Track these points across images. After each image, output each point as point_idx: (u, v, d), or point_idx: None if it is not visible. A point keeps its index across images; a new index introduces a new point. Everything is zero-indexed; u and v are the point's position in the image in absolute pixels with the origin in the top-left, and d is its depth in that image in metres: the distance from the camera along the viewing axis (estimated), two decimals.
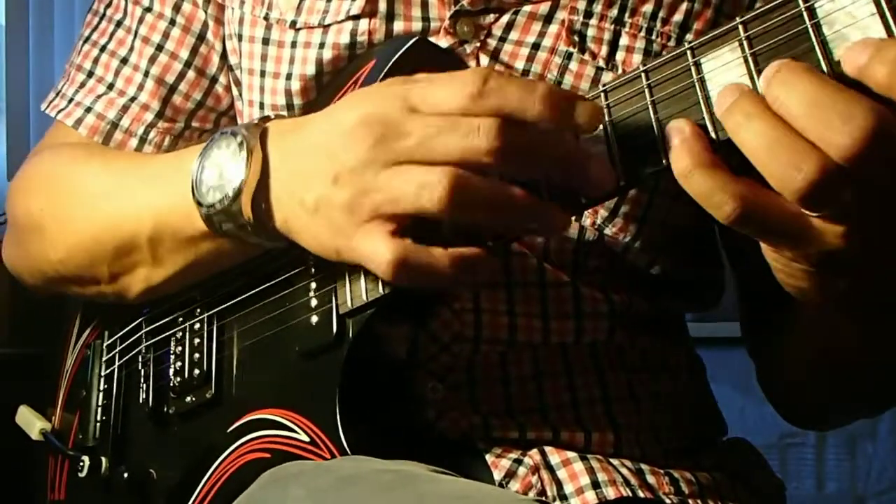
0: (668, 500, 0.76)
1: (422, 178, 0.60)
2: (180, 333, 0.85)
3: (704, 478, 0.80)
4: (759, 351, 0.92)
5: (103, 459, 0.90)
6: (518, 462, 0.76)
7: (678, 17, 0.78)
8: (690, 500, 0.78)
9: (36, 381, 1.02)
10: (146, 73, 0.91)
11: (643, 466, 0.78)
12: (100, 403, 0.93)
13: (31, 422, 0.99)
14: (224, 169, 0.70)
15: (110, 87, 0.93)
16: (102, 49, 0.94)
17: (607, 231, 0.79)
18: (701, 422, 0.89)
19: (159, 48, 0.91)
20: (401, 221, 0.62)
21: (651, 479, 0.77)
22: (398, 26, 0.79)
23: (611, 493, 0.75)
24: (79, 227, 0.85)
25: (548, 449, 0.77)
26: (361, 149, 0.62)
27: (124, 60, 0.93)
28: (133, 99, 0.91)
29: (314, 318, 0.74)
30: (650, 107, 0.59)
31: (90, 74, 0.94)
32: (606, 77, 0.77)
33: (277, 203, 0.69)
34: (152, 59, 0.91)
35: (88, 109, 0.93)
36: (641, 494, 0.76)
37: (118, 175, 0.85)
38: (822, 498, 2.19)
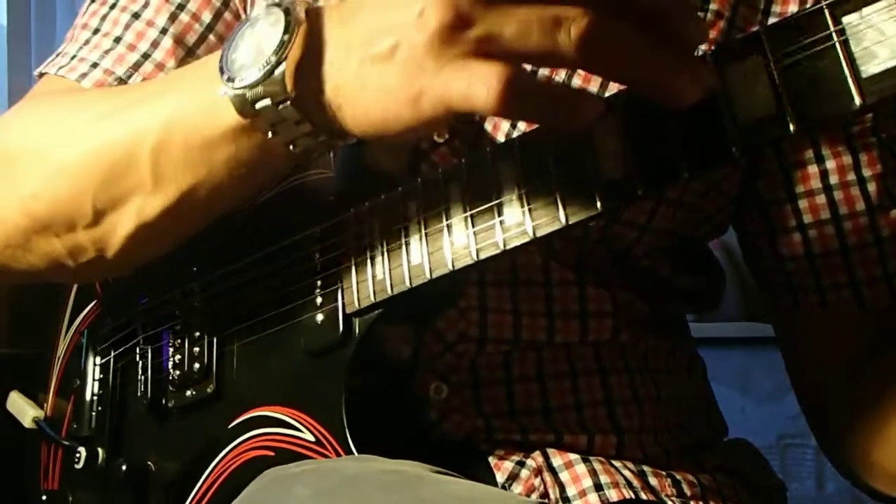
0: (670, 502, 0.77)
1: (552, 13, 0.52)
2: (179, 326, 0.84)
3: (706, 479, 0.80)
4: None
5: (100, 451, 0.89)
6: (521, 464, 0.76)
7: None
8: (692, 502, 0.78)
9: (36, 380, 1.00)
10: (163, 31, 0.84)
11: (645, 468, 0.78)
12: (95, 393, 0.92)
13: (23, 409, 0.98)
14: (263, 41, 0.61)
15: (118, 40, 0.85)
16: (113, 6, 0.87)
17: (609, 234, 0.79)
18: (702, 423, 0.89)
19: (181, 7, 0.85)
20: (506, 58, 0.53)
21: (653, 480, 0.78)
22: None
23: (613, 495, 0.75)
24: (63, 152, 0.72)
25: (550, 451, 0.77)
26: None
27: (136, 15, 0.85)
28: (147, 56, 0.84)
29: (319, 317, 0.73)
30: (669, 117, 0.58)
31: (96, 31, 0.86)
32: (613, 85, 0.76)
33: (331, 69, 0.59)
34: (172, 18, 0.85)
35: (95, 65, 0.84)
36: (644, 496, 0.76)
37: (120, 95, 0.74)
38: (822, 498, 2.20)
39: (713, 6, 0.78)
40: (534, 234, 0.63)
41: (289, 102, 0.60)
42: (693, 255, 0.89)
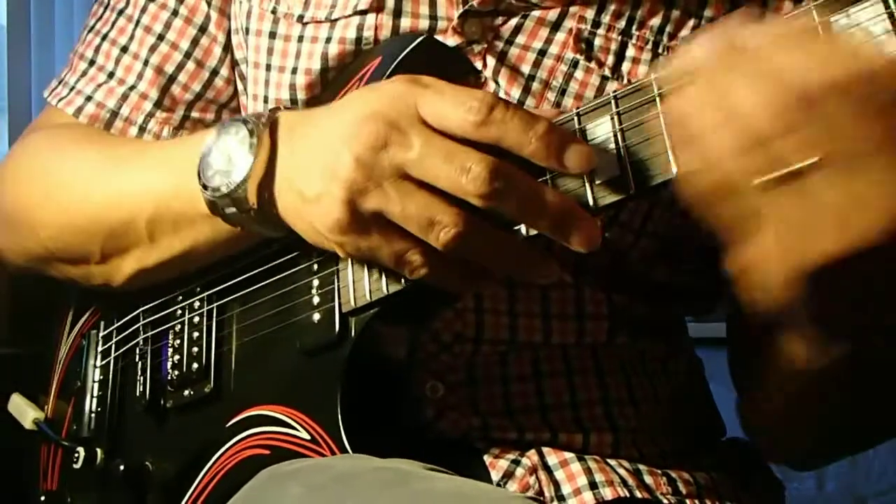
0: (665, 501, 0.77)
1: (428, 213, 0.63)
2: (179, 327, 0.85)
3: (703, 478, 0.81)
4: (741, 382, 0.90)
5: (98, 451, 0.90)
6: (516, 463, 0.77)
7: (685, 32, 0.78)
8: (688, 500, 0.78)
9: (35, 378, 1.01)
10: (146, 62, 0.91)
11: (641, 467, 0.79)
12: (95, 394, 0.92)
13: (23, 410, 0.99)
14: (232, 155, 0.72)
15: (110, 75, 0.92)
16: (104, 38, 0.94)
17: (606, 236, 0.79)
18: (699, 423, 0.89)
19: (160, 38, 0.91)
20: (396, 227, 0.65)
21: (649, 479, 0.78)
22: (405, 23, 0.79)
23: (608, 493, 0.75)
24: (74, 207, 0.85)
25: (545, 450, 0.78)
26: (360, 145, 0.64)
27: (124, 49, 0.92)
28: (132, 88, 0.91)
29: (316, 316, 0.74)
30: (661, 117, 0.59)
31: (91, 63, 0.94)
32: (612, 87, 0.77)
33: (279, 192, 0.70)
34: (153, 49, 0.91)
35: (89, 98, 0.92)
36: (639, 495, 0.76)
37: (119, 159, 0.86)
38: (823, 498, 2.19)
39: (708, 12, 0.79)
40: (526, 233, 0.64)
41: (251, 211, 0.72)
42: (692, 258, 0.89)
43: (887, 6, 0.51)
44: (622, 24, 0.78)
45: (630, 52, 0.78)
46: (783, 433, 0.82)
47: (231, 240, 0.78)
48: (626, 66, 0.78)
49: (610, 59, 0.78)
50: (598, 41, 0.78)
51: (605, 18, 0.78)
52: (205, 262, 0.82)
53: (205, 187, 0.73)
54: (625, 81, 0.77)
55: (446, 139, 0.63)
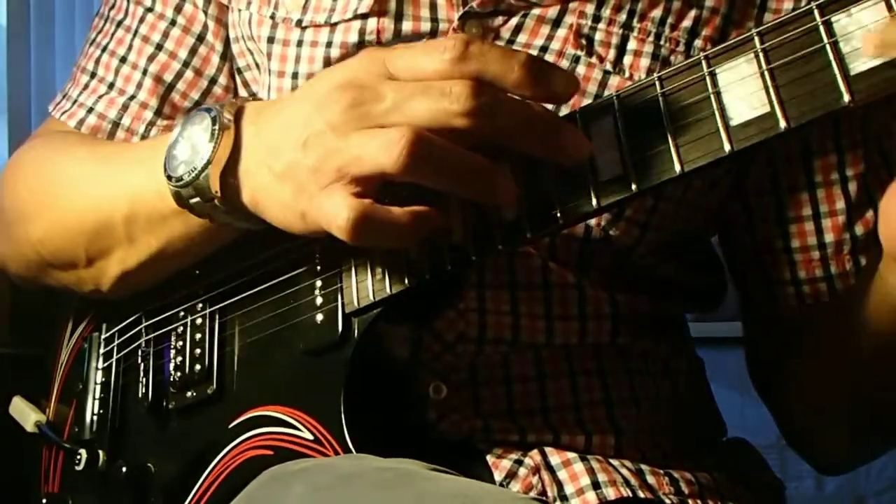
0: (668, 500, 0.77)
1: (384, 138, 0.60)
2: (181, 328, 0.85)
3: (704, 478, 0.81)
4: (769, 373, 0.92)
5: (100, 453, 0.90)
6: (518, 463, 0.77)
7: (687, 23, 0.79)
8: (690, 500, 0.78)
9: (36, 381, 1.01)
10: (145, 72, 0.92)
11: (643, 467, 0.79)
12: (97, 396, 0.92)
13: (25, 413, 0.99)
14: (195, 143, 0.71)
15: (111, 86, 0.93)
16: (104, 49, 0.94)
17: (612, 233, 0.79)
18: (700, 423, 0.90)
19: (158, 47, 0.92)
20: (366, 184, 0.62)
21: (651, 479, 0.78)
22: (407, 26, 0.79)
23: (611, 493, 0.75)
24: (60, 209, 0.86)
25: (548, 449, 0.78)
26: (333, 112, 0.63)
27: (123, 59, 0.93)
28: (132, 98, 0.92)
29: (319, 317, 0.74)
30: (664, 117, 0.59)
31: (93, 75, 0.95)
32: (614, 80, 0.77)
33: (246, 176, 0.70)
34: (151, 58, 0.92)
35: (90, 110, 0.93)
36: (642, 495, 0.76)
37: (102, 160, 0.86)
38: (822, 498, 2.20)
39: (709, 3, 0.79)
40: (531, 233, 0.64)
41: (216, 200, 0.70)
42: (696, 254, 0.89)
43: (890, 8, 0.51)
44: (623, 17, 0.78)
45: (632, 44, 0.78)
46: (830, 414, 0.84)
47: (205, 235, 0.77)
48: (627, 60, 0.78)
49: (611, 54, 0.78)
50: (598, 36, 0.78)
51: (606, 12, 0.78)
52: (185, 261, 0.82)
53: (170, 178, 0.72)
54: (626, 75, 0.77)
55: (421, 80, 0.61)
